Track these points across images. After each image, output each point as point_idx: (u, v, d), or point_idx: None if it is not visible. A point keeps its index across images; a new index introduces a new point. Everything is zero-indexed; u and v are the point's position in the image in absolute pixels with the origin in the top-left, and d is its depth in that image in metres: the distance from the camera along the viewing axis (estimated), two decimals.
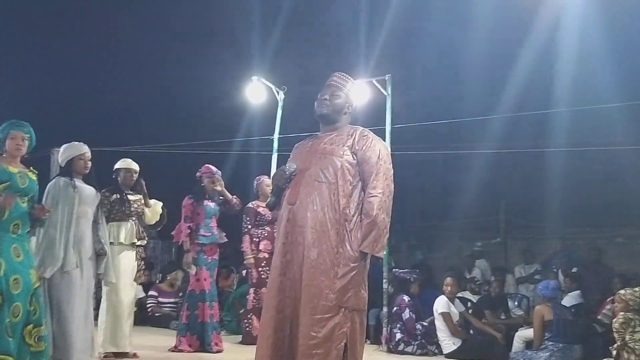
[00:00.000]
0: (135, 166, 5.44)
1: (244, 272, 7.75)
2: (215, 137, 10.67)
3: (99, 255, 4.63)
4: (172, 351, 5.64)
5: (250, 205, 6.47)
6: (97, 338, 4.90)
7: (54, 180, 4.56)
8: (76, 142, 4.74)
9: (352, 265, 3.26)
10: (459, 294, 7.03)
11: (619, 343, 4.66)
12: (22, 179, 3.73)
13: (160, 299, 8.53)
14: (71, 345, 4.26)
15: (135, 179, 5.41)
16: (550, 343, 5.60)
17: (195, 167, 6.04)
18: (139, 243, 5.30)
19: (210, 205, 5.87)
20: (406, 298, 6.54)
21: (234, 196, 6.00)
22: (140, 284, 6.43)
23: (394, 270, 7.01)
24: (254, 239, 6.41)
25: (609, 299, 6.26)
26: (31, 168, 3.90)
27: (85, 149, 4.70)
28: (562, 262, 8.58)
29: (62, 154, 4.72)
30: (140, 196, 5.40)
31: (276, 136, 7.85)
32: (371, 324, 6.84)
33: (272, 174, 6.73)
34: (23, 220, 3.71)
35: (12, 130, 3.80)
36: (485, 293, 7.66)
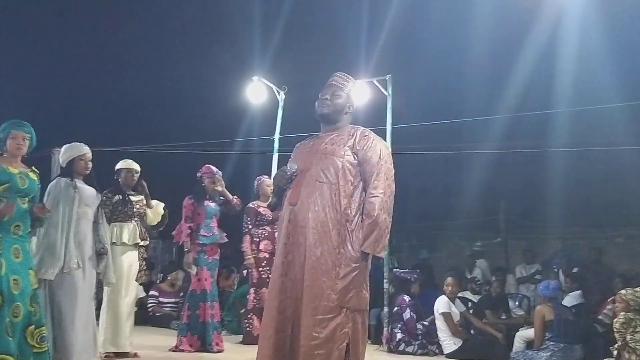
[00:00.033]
0: (136, 166, 5.45)
1: (244, 272, 7.75)
2: (216, 137, 10.69)
3: (99, 254, 4.62)
4: (173, 351, 5.64)
5: (250, 205, 6.48)
6: (98, 338, 4.90)
7: (54, 180, 4.56)
8: (77, 143, 4.73)
9: (353, 265, 3.26)
10: (460, 294, 7.02)
11: (619, 343, 4.65)
12: (23, 180, 3.73)
13: (161, 299, 8.53)
14: (71, 346, 4.25)
15: (136, 179, 5.42)
16: (551, 343, 5.60)
17: (195, 167, 6.04)
18: (142, 243, 5.31)
19: (211, 205, 5.87)
20: (407, 298, 6.54)
21: (235, 196, 6.00)
22: (141, 284, 6.44)
23: (394, 270, 7.01)
24: (255, 239, 6.41)
25: (609, 299, 6.25)
26: (33, 167, 3.89)
27: (86, 150, 4.69)
28: (562, 262, 8.58)
29: (63, 154, 4.72)
30: (142, 197, 5.42)
31: (277, 136, 7.85)
32: (372, 324, 6.83)
33: (272, 174, 6.76)
34: (24, 221, 3.71)
35: (13, 130, 3.80)
36: (486, 293, 7.66)
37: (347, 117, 3.58)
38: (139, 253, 5.31)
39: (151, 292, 8.59)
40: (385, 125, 6.78)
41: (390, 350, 6.37)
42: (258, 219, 6.43)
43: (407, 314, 6.40)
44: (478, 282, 8.06)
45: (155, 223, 5.55)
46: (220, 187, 5.86)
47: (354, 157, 3.38)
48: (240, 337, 6.64)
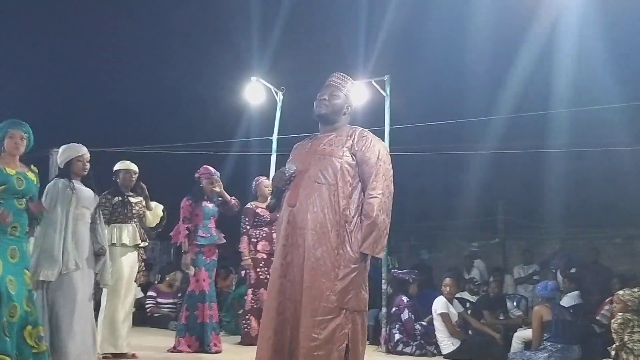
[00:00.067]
0: (134, 167, 5.45)
1: (242, 272, 7.75)
2: (214, 138, 10.69)
3: (97, 255, 4.62)
4: (171, 352, 5.62)
5: (248, 205, 6.47)
6: (97, 339, 4.90)
7: (52, 181, 4.55)
8: (75, 144, 4.72)
9: (352, 266, 3.25)
10: (458, 295, 7.02)
11: (617, 343, 4.66)
12: (20, 181, 3.71)
13: (159, 300, 8.52)
14: (67, 347, 4.25)
15: (134, 180, 5.42)
16: (549, 343, 5.60)
17: (193, 168, 6.03)
18: (142, 245, 5.31)
19: (209, 206, 5.87)
20: (405, 299, 6.54)
21: (233, 197, 6.00)
22: (139, 285, 6.44)
23: (392, 270, 7.00)
24: (252, 240, 6.40)
25: (607, 300, 6.26)
26: (32, 166, 3.88)
27: (84, 151, 4.68)
28: (560, 263, 8.57)
29: (61, 155, 4.71)
30: (142, 198, 5.43)
31: (275, 137, 7.84)
32: (370, 324, 6.82)
33: (270, 175, 6.75)
34: (21, 222, 3.69)
35: (11, 129, 3.79)
36: (484, 293, 7.66)
37: (346, 118, 3.58)
38: (138, 254, 5.31)
39: (149, 293, 8.58)
40: (384, 126, 6.77)
41: (388, 351, 6.36)
42: (256, 219, 6.43)
43: (405, 315, 6.40)
44: (476, 283, 8.06)
45: (154, 225, 5.55)
46: (218, 188, 5.86)
47: (353, 158, 3.38)
48: (238, 338, 6.63)
